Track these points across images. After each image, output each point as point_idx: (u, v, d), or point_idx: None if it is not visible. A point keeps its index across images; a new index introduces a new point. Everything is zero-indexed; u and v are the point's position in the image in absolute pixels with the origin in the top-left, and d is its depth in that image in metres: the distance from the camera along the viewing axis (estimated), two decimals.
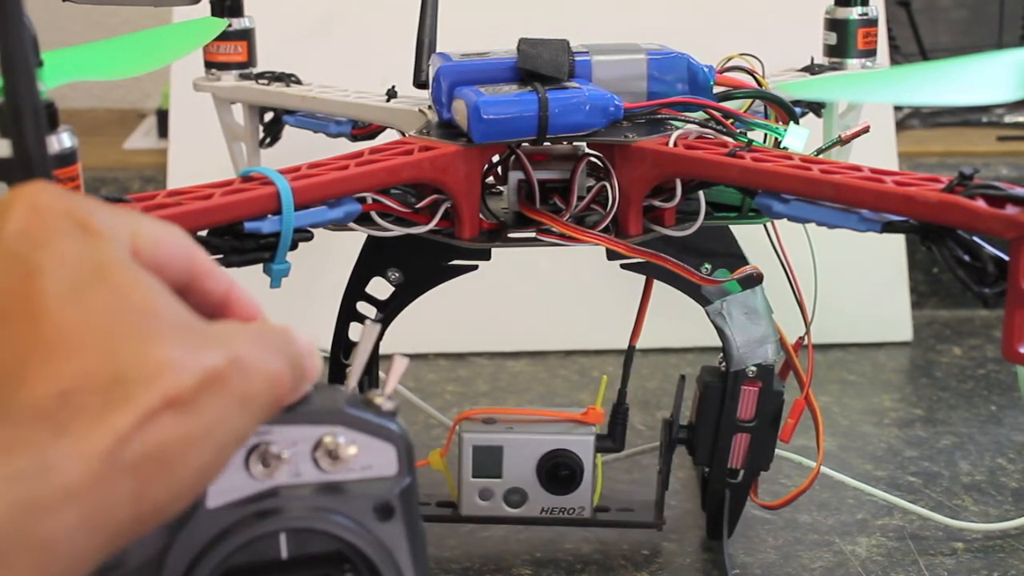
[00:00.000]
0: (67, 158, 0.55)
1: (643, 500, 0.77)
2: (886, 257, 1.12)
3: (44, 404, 0.33)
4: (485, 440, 0.72)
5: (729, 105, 0.67)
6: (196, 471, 0.35)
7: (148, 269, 0.37)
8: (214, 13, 0.84)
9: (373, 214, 0.64)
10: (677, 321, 1.02)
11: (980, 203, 0.53)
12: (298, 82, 0.82)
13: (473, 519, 0.73)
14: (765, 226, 0.71)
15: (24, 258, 0.35)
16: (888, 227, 0.57)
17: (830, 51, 0.83)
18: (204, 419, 0.35)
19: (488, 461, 0.72)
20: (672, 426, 0.73)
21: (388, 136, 0.72)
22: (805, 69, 0.82)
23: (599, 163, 0.66)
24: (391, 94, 0.76)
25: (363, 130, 0.80)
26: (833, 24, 0.82)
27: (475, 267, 0.70)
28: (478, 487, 0.72)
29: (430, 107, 0.69)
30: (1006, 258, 0.53)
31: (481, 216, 0.66)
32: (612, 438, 0.74)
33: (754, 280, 0.69)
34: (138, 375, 0.34)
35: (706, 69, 0.67)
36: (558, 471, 0.72)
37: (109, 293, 0.35)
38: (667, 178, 0.64)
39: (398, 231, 0.64)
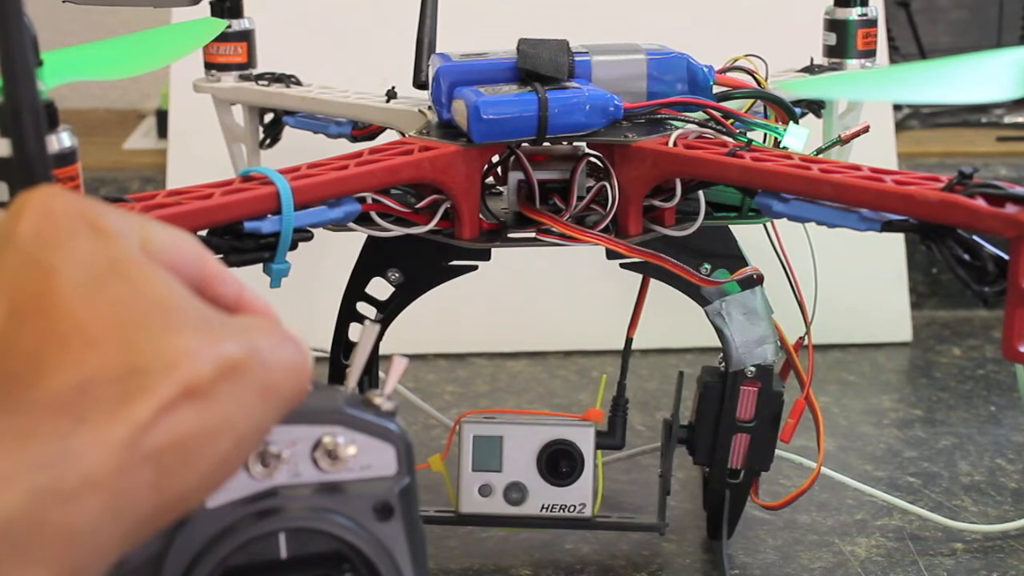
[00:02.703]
0: (67, 158, 0.55)
1: (644, 504, 0.76)
2: (886, 257, 1.12)
3: (62, 396, 0.33)
4: (486, 430, 0.72)
5: (730, 105, 0.67)
6: (216, 462, 0.35)
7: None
8: (214, 14, 0.84)
9: (373, 214, 0.64)
10: (677, 321, 1.02)
11: (980, 202, 0.53)
12: (298, 83, 0.82)
13: (472, 518, 0.73)
14: (765, 226, 0.71)
15: (39, 259, 0.35)
16: (888, 226, 0.57)
17: (830, 51, 0.83)
18: (223, 409, 0.35)
19: (488, 452, 0.72)
20: (672, 427, 0.73)
21: (388, 137, 0.72)
22: (805, 70, 0.81)
23: (599, 163, 0.66)
24: (391, 95, 0.76)
25: (363, 131, 0.80)
26: (833, 25, 0.82)
27: (475, 267, 0.70)
28: (478, 482, 0.72)
29: (430, 107, 0.69)
30: (1006, 257, 0.53)
31: (481, 216, 0.66)
32: (612, 434, 0.74)
33: (754, 281, 0.69)
34: (156, 365, 0.34)
35: (706, 69, 0.67)
36: (558, 461, 0.72)
37: (125, 287, 0.35)
38: (667, 178, 0.64)
39: (398, 231, 0.64)
